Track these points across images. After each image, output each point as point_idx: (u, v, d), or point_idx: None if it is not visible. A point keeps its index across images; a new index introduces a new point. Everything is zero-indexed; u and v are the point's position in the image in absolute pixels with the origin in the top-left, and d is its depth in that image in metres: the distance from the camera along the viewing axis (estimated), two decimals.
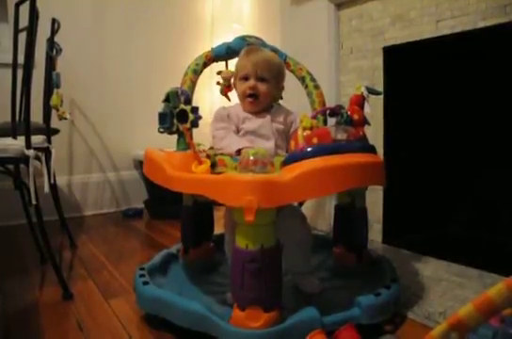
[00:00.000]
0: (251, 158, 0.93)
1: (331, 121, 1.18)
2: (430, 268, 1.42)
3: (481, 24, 1.34)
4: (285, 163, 0.99)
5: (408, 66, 1.64)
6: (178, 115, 1.19)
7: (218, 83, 1.45)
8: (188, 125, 1.18)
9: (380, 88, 1.65)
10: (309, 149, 0.96)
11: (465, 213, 1.59)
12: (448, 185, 1.62)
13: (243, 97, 1.24)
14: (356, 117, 1.12)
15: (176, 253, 1.41)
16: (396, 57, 1.64)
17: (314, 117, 1.08)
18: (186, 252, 1.35)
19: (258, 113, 1.25)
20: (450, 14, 1.42)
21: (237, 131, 1.23)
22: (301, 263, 1.19)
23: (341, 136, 1.02)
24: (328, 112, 1.18)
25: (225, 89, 1.44)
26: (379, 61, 1.68)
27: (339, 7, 1.83)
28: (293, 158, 0.98)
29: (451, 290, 1.24)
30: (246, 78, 1.23)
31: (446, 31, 1.44)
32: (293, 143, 1.04)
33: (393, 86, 1.66)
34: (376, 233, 1.73)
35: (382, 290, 1.05)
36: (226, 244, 1.22)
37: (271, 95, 1.25)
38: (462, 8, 1.38)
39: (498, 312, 0.52)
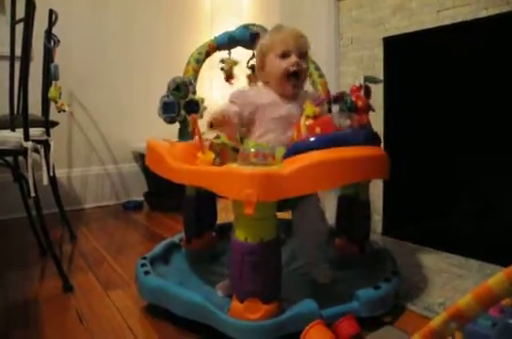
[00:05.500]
0: (252, 150, 0.92)
1: (335, 107, 1.16)
2: (430, 260, 1.43)
3: (483, 14, 1.33)
4: (288, 154, 0.97)
5: (408, 56, 1.63)
6: (186, 105, 1.18)
7: (223, 69, 1.43)
8: (199, 115, 1.17)
9: (380, 78, 1.63)
10: (311, 140, 0.95)
11: (465, 204, 1.59)
12: (448, 176, 1.62)
13: (284, 76, 1.09)
14: (360, 103, 1.11)
15: (178, 243, 1.42)
16: (397, 48, 1.63)
17: (318, 104, 1.06)
18: (189, 242, 1.35)
19: (286, 98, 1.13)
20: (451, 4, 1.41)
21: (248, 118, 1.12)
22: (314, 252, 1.17)
23: (344, 122, 1.01)
24: (331, 99, 1.16)
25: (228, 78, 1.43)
26: (379, 52, 1.67)
27: None
28: (295, 149, 0.96)
29: (451, 281, 1.25)
30: (285, 55, 1.09)
31: (447, 21, 1.42)
32: (295, 133, 1.02)
33: (394, 76, 1.65)
34: (376, 224, 1.73)
35: (382, 283, 1.05)
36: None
37: (307, 76, 1.14)
38: None
39: (497, 302, 0.51)
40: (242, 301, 0.92)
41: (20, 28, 1.29)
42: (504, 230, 1.38)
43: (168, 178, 1.11)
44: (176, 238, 1.44)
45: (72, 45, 2.29)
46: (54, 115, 1.83)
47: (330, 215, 1.31)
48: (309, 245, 1.17)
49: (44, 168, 1.36)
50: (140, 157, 2.55)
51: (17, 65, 1.31)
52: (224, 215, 1.22)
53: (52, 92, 1.66)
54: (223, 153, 1.14)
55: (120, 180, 2.62)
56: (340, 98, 1.12)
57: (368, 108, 1.14)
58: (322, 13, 1.86)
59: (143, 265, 1.18)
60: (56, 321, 1.10)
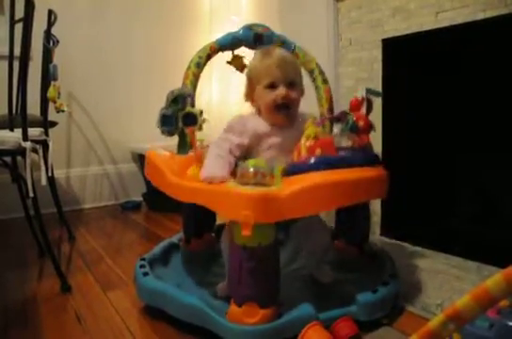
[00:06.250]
0: (251, 170, 0.90)
1: (337, 127, 1.15)
2: (428, 261, 1.43)
3: (481, 16, 1.33)
4: (287, 174, 0.96)
5: (407, 58, 1.63)
6: (184, 117, 1.17)
7: (230, 63, 1.40)
8: (197, 128, 1.15)
9: (379, 80, 1.64)
10: (311, 161, 0.93)
11: (464, 206, 1.59)
12: (447, 177, 1.62)
13: (272, 108, 1.07)
14: (361, 123, 1.08)
15: (177, 243, 1.41)
16: (395, 49, 1.63)
17: (320, 124, 1.05)
18: (188, 243, 1.35)
19: (280, 126, 1.10)
20: (450, 6, 1.41)
21: (248, 146, 1.10)
22: (319, 252, 1.17)
23: (345, 144, 0.99)
24: (333, 118, 1.15)
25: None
26: (378, 53, 1.67)
27: None
28: (295, 170, 0.95)
29: (448, 282, 1.25)
30: (273, 86, 1.06)
31: (446, 23, 1.43)
32: (296, 153, 1.01)
33: (392, 78, 1.65)
34: (374, 225, 1.73)
35: (380, 286, 1.04)
36: (223, 236, 1.19)
37: (299, 102, 1.11)
38: None
39: (495, 303, 0.52)
40: (240, 306, 0.91)
41: (19, 28, 1.29)
42: (502, 231, 1.38)
43: (167, 193, 1.10)
44: (175, 238, 1.44)
45: (72, 45, 2.28)
46: (52, 115, 1.83)
47: (329, 216, 1.31)
48: (313, 259, 1.17)
49: (43, 168, 1.36)
50: (139, 158, 2.55)
51: (16, 65, 1.31)
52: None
53: (51, 92, 1.66)
54: None
55: (118, 180, 2.62)
56: (342, 118, 1.09)
57: (369, 129, 1.12)
58: (321, 14, 1.86)
59: (142, 266, 1.18)
60: (55, 321, 1.10)
